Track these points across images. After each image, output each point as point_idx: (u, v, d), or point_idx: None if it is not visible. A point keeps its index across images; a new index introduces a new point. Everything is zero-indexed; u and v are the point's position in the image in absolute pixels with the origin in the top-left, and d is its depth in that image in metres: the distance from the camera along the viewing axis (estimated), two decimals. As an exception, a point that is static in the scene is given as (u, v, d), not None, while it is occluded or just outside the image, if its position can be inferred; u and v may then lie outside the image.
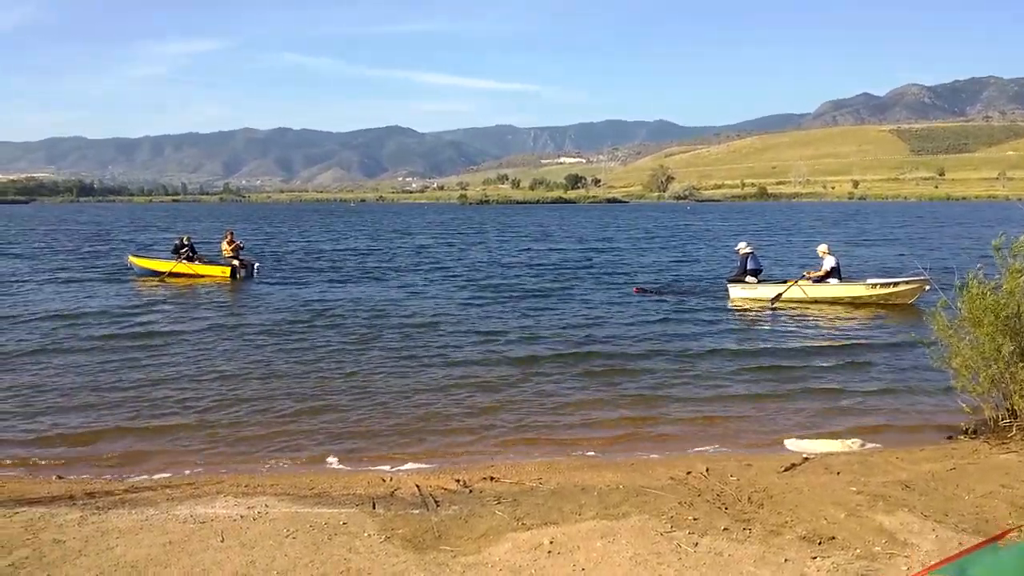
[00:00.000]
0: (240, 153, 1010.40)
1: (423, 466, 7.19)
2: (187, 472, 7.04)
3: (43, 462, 7.36)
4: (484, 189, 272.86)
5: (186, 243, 22.89)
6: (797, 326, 14.64)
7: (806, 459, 6.99)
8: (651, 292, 19.12)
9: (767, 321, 15.30)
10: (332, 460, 7.43)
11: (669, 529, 5.08)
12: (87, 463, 7.36)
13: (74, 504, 5.65)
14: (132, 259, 24.04)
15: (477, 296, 18.84)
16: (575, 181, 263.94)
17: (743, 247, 18.20)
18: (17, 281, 21.23)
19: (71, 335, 13.41)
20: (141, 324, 14.71)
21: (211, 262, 22.60)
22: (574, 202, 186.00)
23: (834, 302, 16.61)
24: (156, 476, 6.88)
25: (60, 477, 6.84)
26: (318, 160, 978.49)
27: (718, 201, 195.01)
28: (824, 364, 11.40)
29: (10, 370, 10.84)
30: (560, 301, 17.83)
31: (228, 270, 21.80)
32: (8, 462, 7.37)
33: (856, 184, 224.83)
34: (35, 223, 71.87)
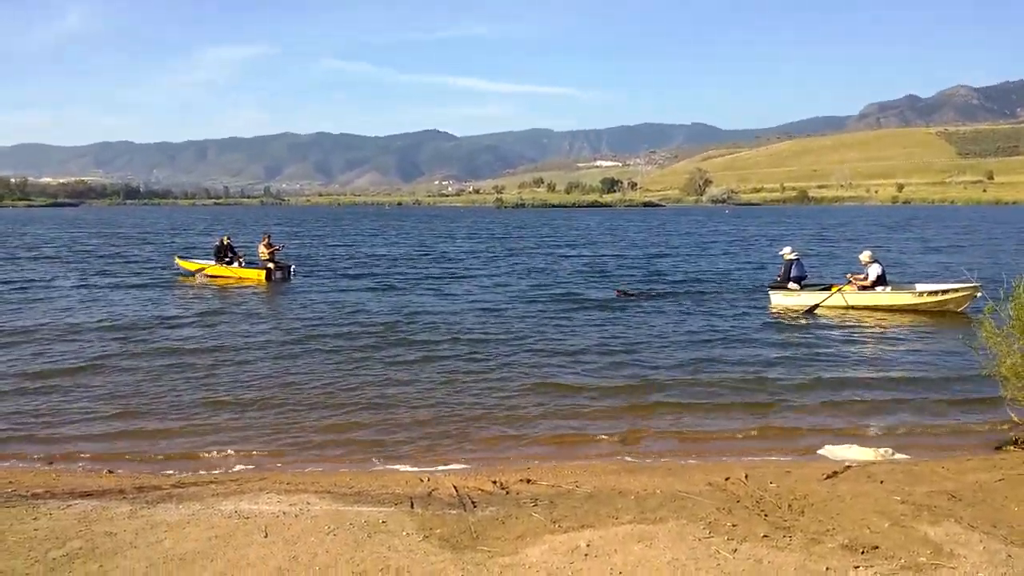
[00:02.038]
0: (281, 157, 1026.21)
1: (460, 467, 7.24)
2: (231, 469, 7.20)
3: (94, 457, 7.59)
4: (520, 193, 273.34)
5: (226, 243, 23.43)
6: (840, 333, 14.39)
7: (848, 467, 6.89)
8: (633, 294, 19.44)
9: (808, 328, 15.06)
10: (371, 460, 7.53)
11: (707, 535, 5.05)
12: (136, 458, 7.57)
13: (124, 498, 5.80)
14: (178, 261, 24.99)
15: (514, 300, 18.84)
16: (611, 185, 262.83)
17: (787, 252, 17.89)
18: (71, 287, 21.71)
19: (118, 339, 13.72)
20: (183, 327, 15.02)
21: (250, 264, 23.02)
22: (610, 206, 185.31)
23: (880, 310, 16.24)
24: (201, 472, 7.05)
25: (111, 472, 7.05)
26: (356, 164, 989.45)
27: (757, 205, 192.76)
28: (867, 372, 11.22)
29: (66, 372, 11.15)
30: (598, 309, 17.73)
31: (263, 273, 22.18)
32: (59, 455, 7.61)
33: (900, 188, 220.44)
34: (85, 226, 73.75)
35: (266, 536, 4.92)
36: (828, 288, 17.01)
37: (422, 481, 6.56)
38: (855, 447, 7.71)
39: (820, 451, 7.70)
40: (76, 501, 5.64)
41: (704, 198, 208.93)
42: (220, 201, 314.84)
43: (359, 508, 5.55)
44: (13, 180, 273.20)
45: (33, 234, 54.39)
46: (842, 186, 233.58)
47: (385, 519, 5.29)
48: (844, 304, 16.51)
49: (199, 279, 22.58)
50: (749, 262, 29.57)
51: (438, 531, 5.10)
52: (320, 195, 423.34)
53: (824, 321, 15.63)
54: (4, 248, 38.92)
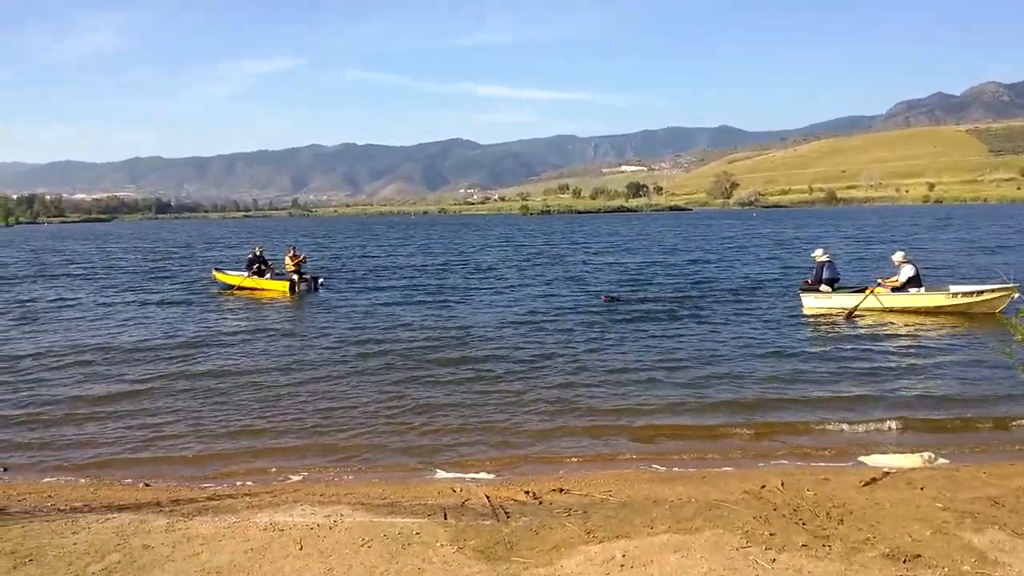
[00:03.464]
0: (307, 169, 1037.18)
1: (492, 477, 7.24)
2: (265, 481, 7.25)
3: (130, 470, 7.70)
4: (545, 199, 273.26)
5: (258, 255, 23.69)
6: (872, 336, 14.17)
7: (887, 473, 6.77)
8: (619, 299, 19.70)
9: (840, 331, 14.85)
10: (402, 471, 7.54)
11: (744, 544, 4.98)
12: (171, 471, 7.66)
13: (161, 511, 5.87)
14: (216, 274, 25.38)
15: (552, 310, 18.52)
16: (636, 190, 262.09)
17: (819, 254, 17.64)
18: (99, 304, 21.98)
19: (152, 358, 13.89)
20: (213, 341, 15.16)
21: (279, 275, 23.23)
22: (636, 211, 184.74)
23: (914, 311, 15.95)
24: (236, 484, 7.10)
25: (147, 484, 7.14)
26: (382, 174, 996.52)
27: (785, 207, 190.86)
28: (902, 375, 11.04)
29: (102, 386, 11.33)
30: (639, 320, 17.56)
31: (287, 284, 22.35)
32: (95, 466, 7.73)
33: (931, 187, 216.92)
34: (118, 240, 75.03)
35: (301, 548, 4.94)
36: (861, 290, 16.75)
37: (454, 491, 6.56)
38: (894, 453, 7.58)
39: (858, 458, 7.57)
40: (114, 515, 5.71)
41: (731, 201, 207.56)
42: (249, 214, 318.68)
43: (393, 519, 5.56)
44: (48, 197, 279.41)
45: (70, 251, 55.43)
46: (871, 186, 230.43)
47: (419, 530, 5.28)
48: (878, 306, 16.26)
49: (234, 292, 22.88)
50: (793, 266, 28.81)
51: (472, 542, 5.08)
52: (347, 206, 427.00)
53: (857, 323, 15.40)
54: (44, 265, 39.70)
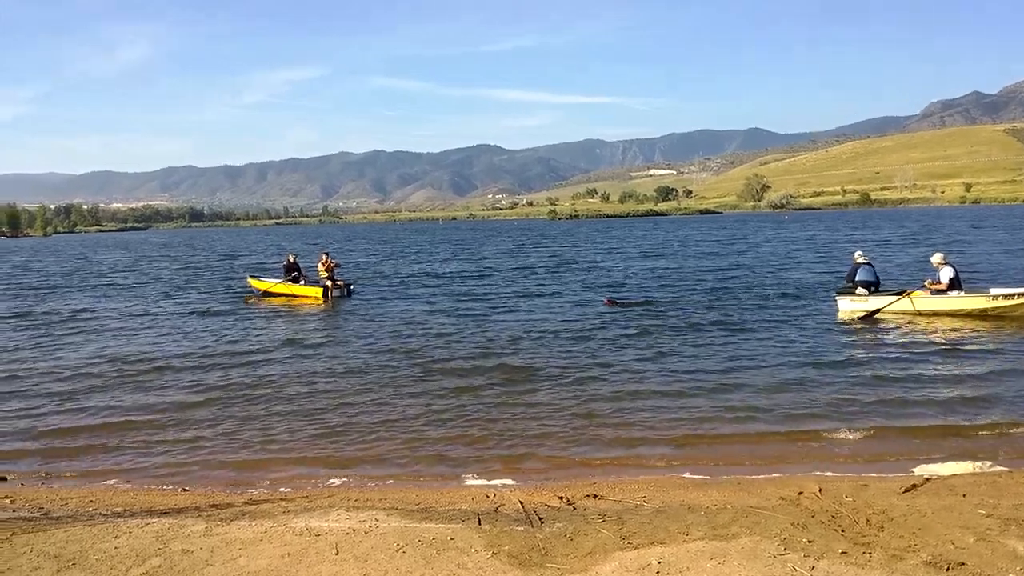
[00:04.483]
0: (337, 176, 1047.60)
1: (526, 482, 7.22)
2: (300, 486, 7.32)
3: (168, 474, 7.82)
4: (573, 204, 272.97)
5: (292, 262, 23.99)
6: (910, 340, 13.91)
7: (927, 480, 6.64)
8: (622, 304, 19.70)
9: (877, 335, 14.61)
10: (436, 476, 7.56)
11: (782, 551, 4.91)
12: (209, 477, 7.77)
13: (199, 515, 5.94)
14: (251, 281, 25.87)
15: (589, 317, 18.24)
16: (666, 193, 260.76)
17: (858, 256, 17.38)
18: (135, 314, 22.35)
19: (188, 365, 14.11)
20: (248, 348, 15.32)
21: (314, 282, 23.47)
22: (666, 214, 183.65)
23: (954, 315, 15.62)
24: (272, 489, 7.18)
25: (186, 490, 7.23)
26: (411, 180, 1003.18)
27: (817, 209, 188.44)
28: (940, 380, 10.82)
29: (137, 395, 11.53)
30: (684, 330, 17.47)
31: (320, 291, 22.56)
32: (130, 470, 7.86)
33: (968, 187, 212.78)
34: (152, 249, 76.31)
35: (337, 553, 4.97)
36: (900, 293, 16.45)
37: (488, 497, 6.56)
38: (935, 459, 7.43)
39: (898, 464, 7.43)
40: (154, 519, 5.80)
41: (762, 204, 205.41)
42: (281, 221, 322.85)
43: (427, 525, 5.57)
44: (85, 207, 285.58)
45: (108, 260, 56.50)
46: (906, 187, 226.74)
47: (453, 536, 5.29)
48: (913, 309, 15.96)
49: (264, 299, 23.18)
50: (832, 270, 28.16)
51: (506, 548, 5.08)
52: (376, 212, 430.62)
53: (894, 327, 15.13)
54: (83, 274, 40.52)
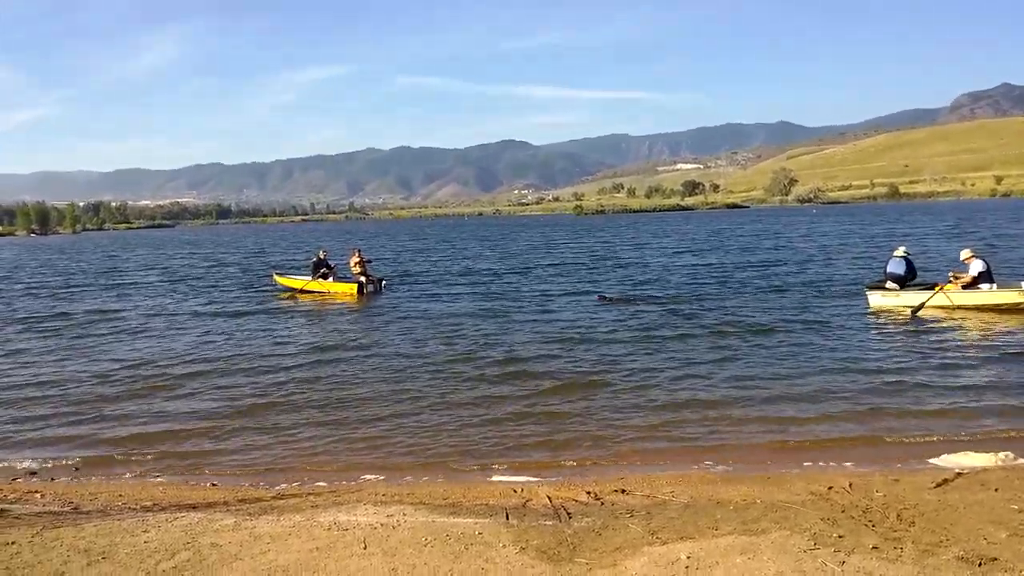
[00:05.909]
0: (363, 172, 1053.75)
1: (553, 478, 7.20)
2: (328, 480, 7.37)
3: (197, 470, 7.92)
4: (599, 199, 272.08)
5: (322, 259, 24.00)
6: (941, 335, 13.67)
7: (959, 474, 6.52)
8: (613, 300, 19.84)
9: (907, 329, 14.37)
10: (463, 471, 7.57)
11: (813, 546, 4.85)
12: (238, 472, 7.85)
13: (228, 510, 5.99)
14: (276, 278, 25.92)
15: (622, 316, 17.79)
16: (692, 188, 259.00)
17: (899, 251, 17.09)
18: (167, 313, 22.59)
19: (220, 357, 14.26)
20: (279, 344, 15.45)
21: (343, 278, 23.54)
22: (692, 209, 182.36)
23: (985, 309, 15.34)
24: (300, 484, 7.23)
25: (215, 485, 7.31)
26: (436, 176, 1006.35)
27: (846, 203, 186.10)
28: (972, 375, 10.63)
29: (168, 388, 11.69)
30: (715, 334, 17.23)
31: (355, 287, 22.62)
32: (159, 465, 7.96)
33: (999, 180, 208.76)
34: (180, 247, 77.21)
35: (365, 548, 4.99)
36: (931, 287, 16.18)
37: (515, 492, 6.55)
38: (966, 454, 7.30)
39: (929, 459, 7.31)
40: (183, 514, 5.85)
41: (789, 198, 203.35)
42: (307, 218, 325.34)
43: (454, 520, 5.57)
44: (114, 204, 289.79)
45: (137, 258, 57.27)
46: (935, 180, 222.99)
47: (481, 530, 5.29)
48: (947, 304, 15.69)
49: (297, 297, 23.25)
50: (865, 266, 27.49)
51: (535, 543, 5.06)
52: (402, 208, 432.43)
53: (926, 322, 14.89)
54: (112, 273, 41.10)
